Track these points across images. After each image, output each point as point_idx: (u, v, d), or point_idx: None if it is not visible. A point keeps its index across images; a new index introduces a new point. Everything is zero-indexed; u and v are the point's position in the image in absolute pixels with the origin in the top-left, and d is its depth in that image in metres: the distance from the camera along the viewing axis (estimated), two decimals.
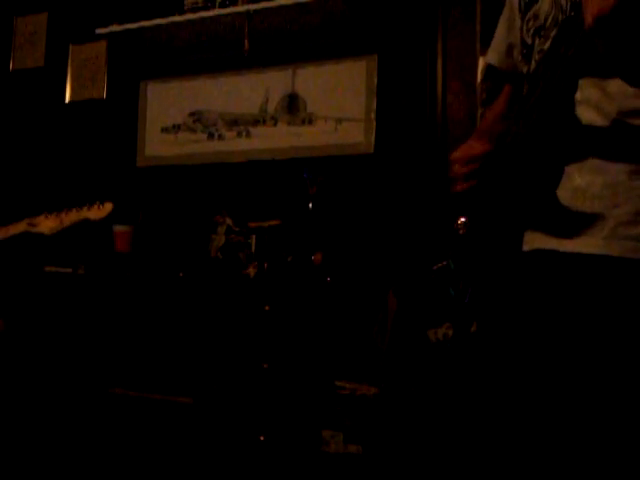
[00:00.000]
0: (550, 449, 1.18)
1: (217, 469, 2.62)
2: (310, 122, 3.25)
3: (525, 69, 1.32)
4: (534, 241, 1.26)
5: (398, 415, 2.45)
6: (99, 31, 3.50)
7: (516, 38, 1.39)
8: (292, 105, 3.29)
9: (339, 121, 3.19)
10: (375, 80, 3.13)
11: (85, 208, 2.16)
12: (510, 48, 1.43)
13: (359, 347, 2.68)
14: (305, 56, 3.27)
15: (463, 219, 1.54)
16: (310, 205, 2.98)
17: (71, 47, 3.73)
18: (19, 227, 2.16)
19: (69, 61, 3.73)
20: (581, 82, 1.15)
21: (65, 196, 3.59)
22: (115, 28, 3.45)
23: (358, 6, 3.10)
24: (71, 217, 2.15)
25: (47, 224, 2.14)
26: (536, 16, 1.29)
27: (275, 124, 3.32)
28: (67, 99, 3.73)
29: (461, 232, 1.50)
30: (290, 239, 2.95)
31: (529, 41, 1.30)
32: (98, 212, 2.14)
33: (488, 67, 2.87)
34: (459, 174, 1.36)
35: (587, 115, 1.15)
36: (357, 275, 2.87)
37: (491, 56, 1.52)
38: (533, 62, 1.28)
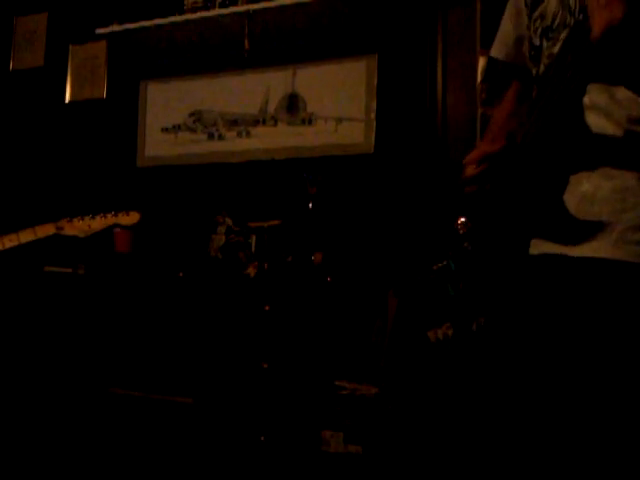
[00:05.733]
0: (550, 449, 1.18)
1: (217, 469, 2.62)
2: (310, 122, 3.25)
3: (534, 71, 1.31)
4: (542, 245, 1.25)
5: (398, 415, 2.45)
6: (99, 31, 3.51)
7: (524, 31, 1.37)
8: (292, 105, 3.29)
9: (339, 121, 3.19)
10: (375, 80, 3.13)
11: (110, 215, 2.23)
12: (518, 41, 1.40)
13: (359, 347, 2.68)
14: (305, 56, 3.26)
15: (463, 219, 1.53)
16: (310, 205, 2.98)
17: (71, 47, 3.73)
18: (47, 230, 2.21)
19: (69, 61, 3.73)
20: (589, 87, 1.14)
21: (65, 196, 3.59)
22: (115, 28, 3.45)
23: (358, 6, 3.10)
24: (101, 222, 2.23)
25: (77, 227, 2.21)
26: (543, 16, 1.27)
27: (275, 124, 3.32)
28: (67, 99, 3.73)
29: (461, 232, 1.49)
30: (290, 239, 2.95)
31: (537, 42, 1.29)
32: (128, 219, 2.23)
33: (488, 67, 2.87)
34: (469, 176, 1.35)
35: (596, 121, 1.14)
36: (357, 275, 2.87)
37: (497, 50, 1.48)
38: (542, 65, 1.27)
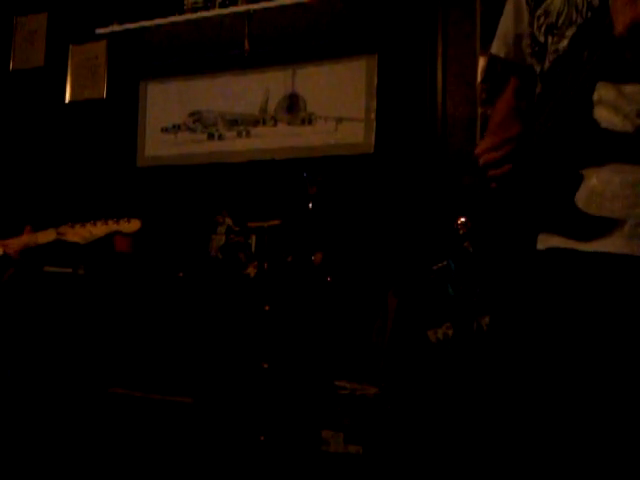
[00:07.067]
0: (554, 450, 1.17)
1: (217, 469, 2.62)
2: (310, 122, 3.25)
3: (538, 68, 1.31)
4: (549, 239, 1.25)
5: (398, 415, 2.45)
6: (99, 31, 3.51)
7: (524, 28, 1.37)
8: (292, 105, 3.29)
9: (339, 121, 3.19)
10: (375, 80, 3.13)
11: (112, 222, 2.23)
12: (518, 39, 1.40)
13: (359, 347, 2.68)
14: (305, 56, 3.27)
15: (463, 219, 1.54)
16: (310, 205, 2.98)
17: (71, 47, 3.73)
18: (49, 235, 2.21)
19: (69, 61, 3.73)
20: (597, 84, 1.14)
21: (65, 196, 3.59)
22: (115, 28, 3.45)
23: (358, 6, 3.10)
24: (102, 229, 2.22)
25: (78, 233, 2.21)
26: (547, 13, 1.27)
27: (275, 124, 3.32)
28: (67, 99, 3.73)
29: (461, 232, 1.50)
30: (290, 239, 2.95)
31: (541, 39, 1.29)
32: (129, 226, 2.23)
33: (488, 67, 2.87)
34: (490, 160, 1.32)
35: (605, 116, 1.14)
36: (357, 275, 2.87)
37: (497, 47, 1.48)
38: (547, 62, 1.27)
